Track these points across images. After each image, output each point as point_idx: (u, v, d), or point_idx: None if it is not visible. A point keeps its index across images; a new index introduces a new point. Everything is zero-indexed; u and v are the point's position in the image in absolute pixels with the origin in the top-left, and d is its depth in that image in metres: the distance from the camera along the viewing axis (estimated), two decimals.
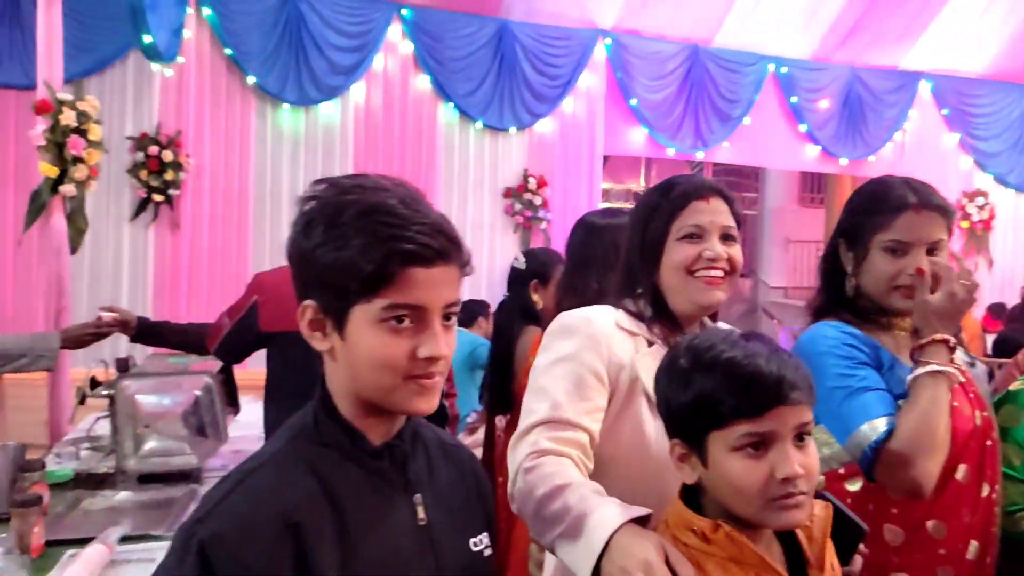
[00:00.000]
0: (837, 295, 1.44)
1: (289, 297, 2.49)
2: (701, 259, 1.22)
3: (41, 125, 2.70)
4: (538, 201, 5.75)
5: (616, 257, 1.94)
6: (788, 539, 1.04)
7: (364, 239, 0.78)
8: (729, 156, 6.42)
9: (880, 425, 1.25)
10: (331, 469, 0.83)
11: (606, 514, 0.94)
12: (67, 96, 2.73)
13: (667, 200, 1.26)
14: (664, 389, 1.04)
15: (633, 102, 5.90)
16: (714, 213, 1.24)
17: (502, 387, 2.58)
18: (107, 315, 2.52)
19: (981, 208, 6.96)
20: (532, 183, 5.75)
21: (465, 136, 5.71)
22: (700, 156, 6.29)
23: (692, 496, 1.03)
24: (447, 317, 0.83)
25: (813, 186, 12.49)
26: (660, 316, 1.26)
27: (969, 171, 7.01)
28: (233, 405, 2.64)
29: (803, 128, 6.42)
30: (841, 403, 1.29)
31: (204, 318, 5.19)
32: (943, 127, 6.88)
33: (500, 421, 2.74)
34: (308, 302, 0.83)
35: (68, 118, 2.66)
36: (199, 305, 5.12)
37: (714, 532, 0.97)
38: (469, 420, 3.56)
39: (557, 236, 5.78)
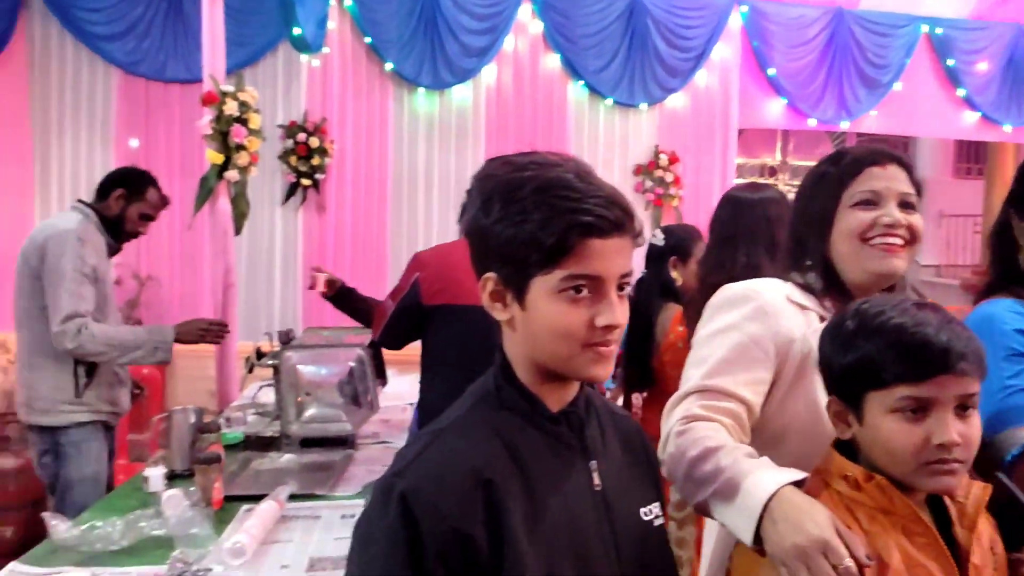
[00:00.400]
0: (1008, 270, 1.34)
1: (447, 273, 2.60)
2: (877, 226, 1.15)
3: (207, 115, 2.92)
4: (669, 178, 5.65)
5: (764, 232, 1.91)
6: (939, 513, 1.01)
7: (543, 213, 0.81)
8: (877, 126, 6.03)
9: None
10: (514, 432, 0.87)
11: (763, 476, 0.93)
12: (229, 88, 2.93)
13: (838, 167, 1.20)
14: (827, 348, 1.04)
15: (771, 72, 5.66)
16: (891, 179, 1.17)
17: (641, 364, 2.58)
18: (320, 275, 2.76)
19: None
20: (663, 160, 5.64)
21: (595, 114, 5.68)
22: (844, 126, 5.95)
23: (846, 451, 1.03)
24: (621, 287, 0.85)
25: (970, 156, 11.56)
26: (832, 289, 1.20)
27: None
28: (381, 377, 2.78)
29: (961, 93, 5.94)
30: (991, 397, 1.19)
31: None
32: None
33: (637, 399, 2.74)
34: (489, 275, 0.87)
35: (231, 108, 2.86)
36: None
37: (867, 481, 0.97)
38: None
39: (689, 213, 5.67)
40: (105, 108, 5.18)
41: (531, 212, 0.81)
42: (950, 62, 5.86)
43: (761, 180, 9.65)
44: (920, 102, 5.93)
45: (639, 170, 5.65)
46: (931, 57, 5.90)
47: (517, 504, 0.82)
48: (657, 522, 0.96)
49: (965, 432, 0.94)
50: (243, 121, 2.90)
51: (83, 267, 2.42)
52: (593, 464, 0.91)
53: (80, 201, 2.61)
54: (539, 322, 0.84)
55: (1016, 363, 1.22)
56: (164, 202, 2.71)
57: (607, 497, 0.91)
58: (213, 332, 2.61)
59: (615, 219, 0.82)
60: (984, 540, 1.01)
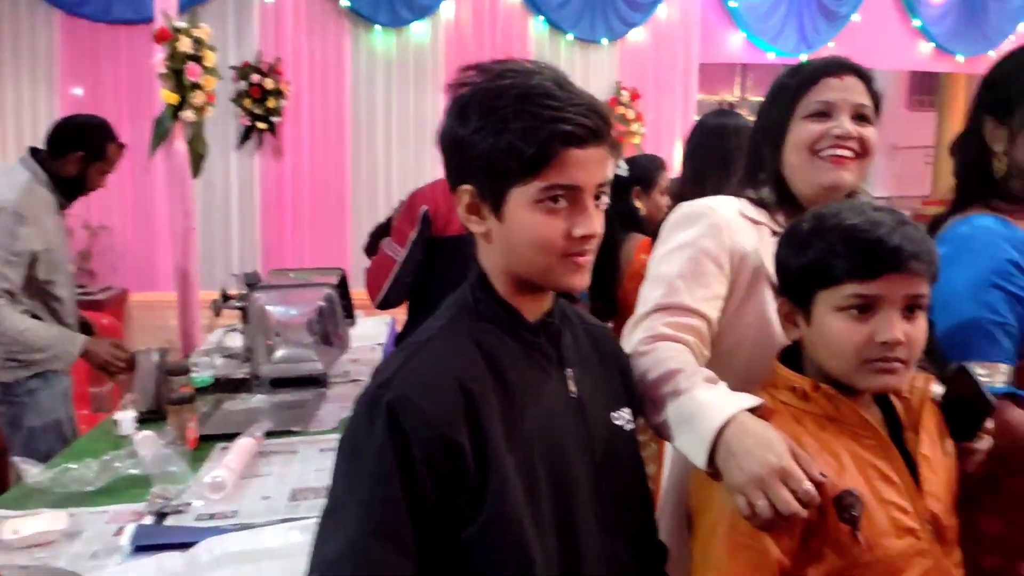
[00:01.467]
0: (982, 179, 1.30)
1: (448, 207, 2.60)
2: (826, 137, 1.13)
3: (160, 53, 2.81)
4: (631, 115, 5.64)
5: (737, 158, 1.92)
6: (887, 410, 1.05)
7: (524, 122, 0.80)
8: None
9: (999, 376, 1.15)
10: (492, 343, 0.88)
11: (717, 402, 0.94)
12: (183, 24, 2.83)
13: (796, 78, 1.18)
14: (783, 250, 1.06)
15: (732, 4, 5.63)
16: (847, 90, 1.15)
17: (605, 294, 2.61)
18: None
19: None
20: (625, 96, 5.62)
21: (556, 50, 5.61)
22: (803, 58, 5.95)
23: (790, 361, 1.06)
24: (597, 196, 0.86)
25: (923, 88, 11.69)
26: (784, 203, 1.20)
27: None
28: (349, 317, 2.78)
29: (916, 23, 6.00)
30: (959, 326, 1.18)
31: (307, 240, 5.40)
32: None
33: None
34: (465, 187, 0.86)
35: (185, 45, 2.77)
36: (302, 227, 5.33)
37: (814, 391, 1.00)
38: None
39: (650, 150, 5.67)
40: (48, 52, 4.96)
41: (511, 121, 0.80)
42: None
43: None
44: (877, 33, 5.97)
45: None
46: None
47: (496, 412, 0.84)
48: (628, 427, 0.99)
49: (911, 332, 0.95)
50: (197, 59, 2.80)
51: (13, 246, 2.27)
52: (569, 372, 0.93)
53: (32, 151, 2.41)
54: (517, 233, 0.85)
55: (1005, 303, 1.18)
56: (122, 151, 2.53)
57: (583, 403, 0.93)
58: (118, 364, 2.40)
59: (595, 127, 0.82)
60: (932, 430, 1.04)
